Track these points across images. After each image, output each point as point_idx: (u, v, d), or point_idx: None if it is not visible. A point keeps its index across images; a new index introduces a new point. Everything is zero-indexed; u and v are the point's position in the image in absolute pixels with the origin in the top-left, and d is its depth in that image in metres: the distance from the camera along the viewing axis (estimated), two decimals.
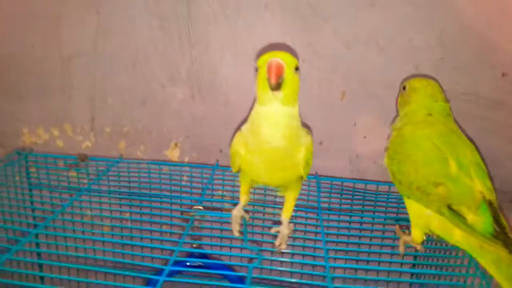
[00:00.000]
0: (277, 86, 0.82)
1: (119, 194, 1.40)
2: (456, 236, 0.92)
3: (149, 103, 1.49)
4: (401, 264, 1.25)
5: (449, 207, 0.90)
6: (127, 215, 1.41)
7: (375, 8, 1.30)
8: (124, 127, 1.52)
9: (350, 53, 1.35)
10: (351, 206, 1.34)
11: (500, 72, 1.29)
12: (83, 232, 1.24)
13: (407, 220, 1.04)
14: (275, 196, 1.25)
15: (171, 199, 1.34)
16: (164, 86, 1.46)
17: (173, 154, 1.53)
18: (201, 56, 1.42)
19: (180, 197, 1.40)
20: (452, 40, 1.29)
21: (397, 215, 1.28)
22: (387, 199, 1.34)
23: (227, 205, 1.24)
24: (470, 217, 0.88)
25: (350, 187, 1.37)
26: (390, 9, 1.29)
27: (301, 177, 1.00)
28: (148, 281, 1.31)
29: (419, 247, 1.03)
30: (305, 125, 0.98)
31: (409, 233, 1.05)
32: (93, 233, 1.32)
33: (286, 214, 1.06)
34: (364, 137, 1.43)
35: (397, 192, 1.31)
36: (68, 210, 1.14)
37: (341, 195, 1.34)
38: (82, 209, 1.24)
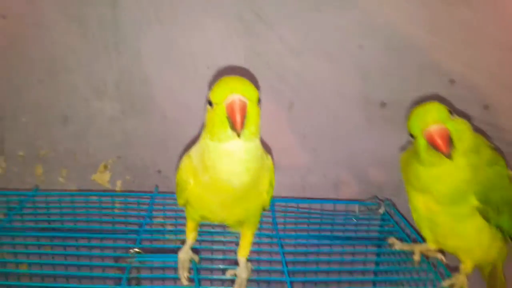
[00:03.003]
0: (242, 129, 0.71)
1: (37, 239, 1.17)
2: None
3: (71, 121, 1.29)
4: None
5: None
6: (48, 259, 1.18)
7: (321, 13, 1.23)
8: (41, 150, 1.31)
9: (299, 61, 1.26)
10: (308, 226, 1.24)
11: (447, 79, 1.27)
12: None
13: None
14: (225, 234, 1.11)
15: (101, 240, 1.14)
16: (89, 100, 1.28)
17: (103, 178, 1.34)
18: (132, 66, 1.26)
19: (113, 236, 1.19)
20: (399, 47, 1.25)
21: (355, 233, 1.21)
22: (345, 217, 1.26)
23: (169, 236, 1.08)
24: None
25: (306, 208, 1.27)
26: (337, 14, 1.23)
27: (263, 208, 0.89)
28: None
29: (439, 256, 0.99)
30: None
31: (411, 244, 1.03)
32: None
33: (243, 252, 0.93)
34: (315, 150, 1.34)
35: (354, 211, 1.27)
36: None
37: (296, 218, 1.25)
38: None
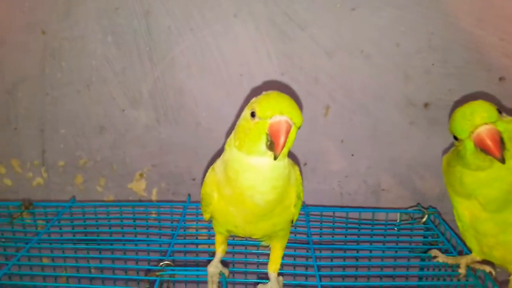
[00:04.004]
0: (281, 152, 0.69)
1: (74, 244, 1.20)
2: None
3: (108, 130, 1.31)
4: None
5: None
6: (85, 272, 1.20)
7: (356, 12, 1.17)
8: (80, 159, 1.34)
9: (333, 63, 1.21)
10: (345, 237, 1.18)
11: (497, 76, 1.18)
12: None
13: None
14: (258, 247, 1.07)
15: (136, 253, 1.13)
16: (125, 110, 1.29)
17: (139, 187, 1.35)
18: (165, 74, 1.26)
19: (146, 248, 1.19)
20: (442, 44, 1.17)
21: (396, 244, 1.14)
22: (385, 227, 1.19)
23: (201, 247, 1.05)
24: None
25: (343, 217, 1.21)
26: (373, 13, 1.17)
27: (291, 221, 0.85)
28: None
29: (488, 269, 0.91)
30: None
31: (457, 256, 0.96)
32: None
33: (273, 267, 0.89)
34: (352, 155, 1.28)
35: (395, 220, 1.19)
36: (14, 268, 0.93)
37: (333, 229, 1.19)
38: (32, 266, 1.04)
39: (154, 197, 1.36)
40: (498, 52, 1.16)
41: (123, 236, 1.19)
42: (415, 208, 1.21)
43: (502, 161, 0.73)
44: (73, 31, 1.24)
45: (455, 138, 0.80)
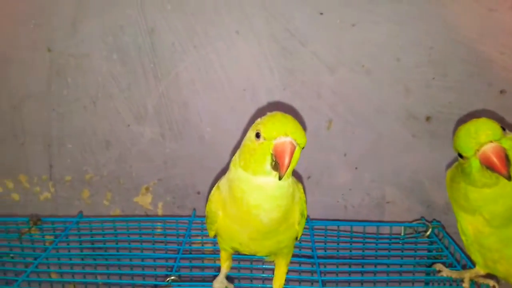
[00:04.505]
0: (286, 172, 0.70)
1: (82, 259, 1.21)
2: None
3: (114, 145, 1.33)
4: None
5: None
6: (92, 285, 1.22)
7: (356, 28, 1.19)
8: (86, 174, 1.35)
9: (334, 78, 1.22)
10: (350, 251, 1.19)
11: (497, 89, 1.19)
12: None
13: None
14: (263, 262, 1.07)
15: (143, 268, 1.14)
16: (130, 125, 1.31)
17: (145, 200, 1.37)
18: (170, 90, 1.28)
19: (152, 264, 1.20)
20: (442, 58, 1.18)
21: (401, 258, 1.14)
22: (390, 241, 1.20)
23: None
24: None
25: (347, 231, 1.22)
26: (373, 29, 1.18)
27: (296, 238, 0.86)
28: None
29: (492, 283, 0.92)
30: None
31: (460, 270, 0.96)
32: None
33: (278, 283, 0.90)
34: (356, 168, 1.29)
35: (399, 234, 1.20)
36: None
37: (337, 243, 1.19)
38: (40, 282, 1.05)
39: (160, 210, 1.37)
40: (498, 66, 1.17)
41: (130, 251, 1.20)
42: (419, 221, 1.21)
43: (509, 178, 0.74)
44: (78, 49, 1.26)
45: (460, 155, 0.81)
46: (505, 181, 0.75)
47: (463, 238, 0.92)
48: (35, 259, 1.06)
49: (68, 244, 1.20)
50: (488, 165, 0.75)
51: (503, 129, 0.78)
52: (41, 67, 1.28)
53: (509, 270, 0.87)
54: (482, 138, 0.76)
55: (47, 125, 1.33)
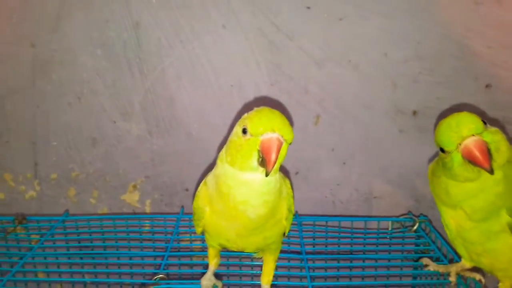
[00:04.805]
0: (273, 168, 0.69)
1: (68, 258, 1.19)
2: None
3: (100, 143, 1.31)
4: None
5: None
6: (80, 284, 1.20)
7: (344, 22, 1.18)
8: (72, 172, 1.34)
9: (322, 72, 1.22)
10: (338, 246, 1.19)
11: (483, 83, 1.19)
12: None
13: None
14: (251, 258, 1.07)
15: (131, 266, 1.13)
16: (116, 122, 1.30)
17: (132, 198, 1.35)
18: (156, 86, 1.26)
19: (140, 262, 1.19)
20: (430, 52, 1.18)
21: (388, 253, 1.14)
22: (377, 236, 1.20)
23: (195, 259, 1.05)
24: None
25: (335, 226, 1.22)
26: (360, 23, 1.18)
27: (283, 234, 0.86)
28: None
29: (477, 277, 0.92)
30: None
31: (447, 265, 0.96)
32: None
33: (266, 279, 0.90)
34: (344, 163, 1.29)
35: (386, 228, 1.20)
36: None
37: (326, 238, 1.19)
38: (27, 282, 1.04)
39: (147, 208, 1.36)
40: (485, 61, 1.18)
41: (117, 249, 1.20)
42: (406, 216, 1.22)
43: (491, 172, 0.74)
44: (62, 44, 1.24)
45: (442, 150, 0.80)
46: (486, 175, 0.75)
47: (447, 232, 0.93)
48: (21, 258, 1.04)
49: (54, 243, 1.19)
50: (470, 159, 0.75)
51: (484, 123, 0.78)
52: (25, 63, 1.26)
53: (493, 263, 0.87)
54: (464, 132, 0.76)
55: (32, 122, 1.30)
